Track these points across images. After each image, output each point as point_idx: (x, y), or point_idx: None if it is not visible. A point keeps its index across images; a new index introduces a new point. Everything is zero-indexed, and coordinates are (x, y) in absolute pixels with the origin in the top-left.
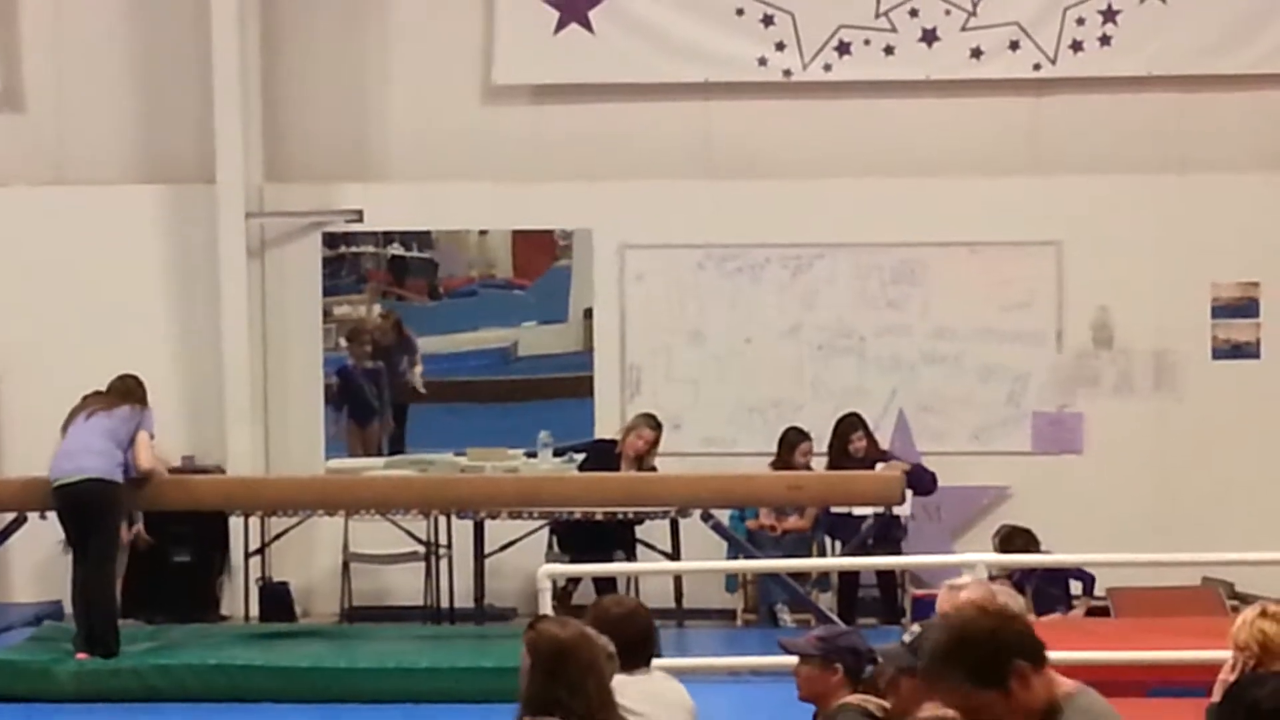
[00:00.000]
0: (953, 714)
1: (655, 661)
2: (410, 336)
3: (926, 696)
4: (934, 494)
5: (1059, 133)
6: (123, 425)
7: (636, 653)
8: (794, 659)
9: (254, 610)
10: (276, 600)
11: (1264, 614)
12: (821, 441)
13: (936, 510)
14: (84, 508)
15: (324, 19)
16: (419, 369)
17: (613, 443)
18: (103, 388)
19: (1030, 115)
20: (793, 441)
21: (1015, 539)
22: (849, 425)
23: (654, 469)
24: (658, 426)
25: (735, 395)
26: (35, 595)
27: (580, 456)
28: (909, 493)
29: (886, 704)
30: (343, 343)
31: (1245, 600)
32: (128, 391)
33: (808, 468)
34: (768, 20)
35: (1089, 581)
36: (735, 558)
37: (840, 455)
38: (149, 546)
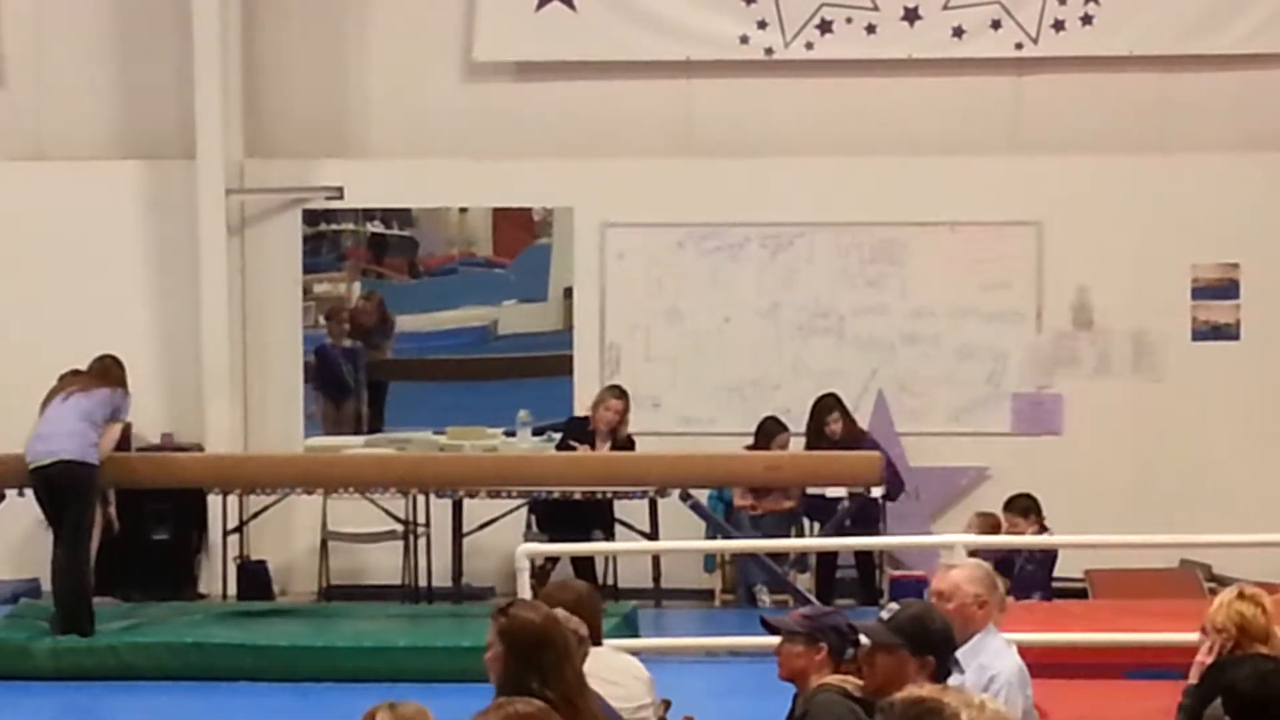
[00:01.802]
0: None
1: (633, 641)
2: (391, 319)
3: (902, 673)
4: (899, 498)
5: (1040, 112)
6: (99, 408)
7: (590, 633)
8: (772, 640)
9: (232, 589)
10: (254, 579)
11: (1241, 596)
12: (799, 423)
13: (915, 491)
14: (59, 489)
15: None
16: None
17: (586, 419)
18: (81, 366)
19: (1011, 95)
20: (770, 432)
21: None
22: (825, 406)
23: (629, 438)
24: (622, 395)
25: (714, 375)
26: (13, 573)
27: (559, 436)
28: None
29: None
30: (322, 320)
31: (1223, 582)
32: (105, 372)
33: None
34: None
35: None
36: (714, 538)
37: (817, 436)
38: (119, 530)
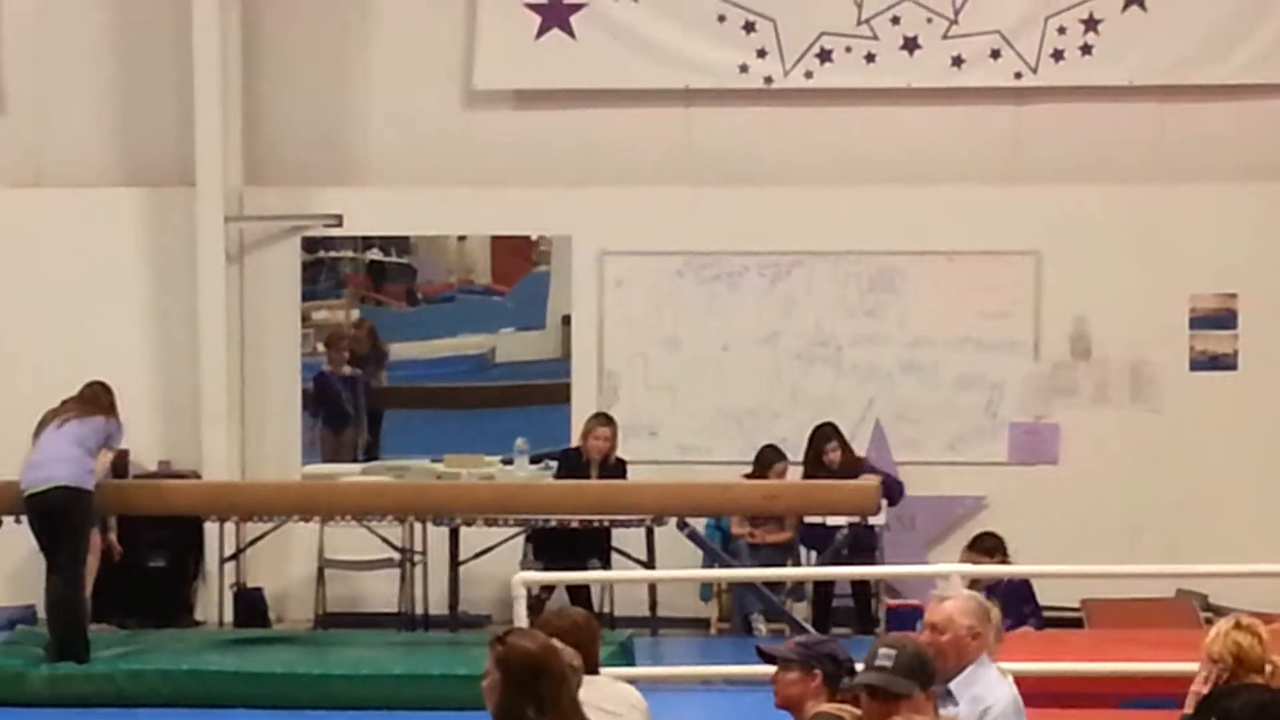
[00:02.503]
0: None
1: (629, 670)
2: (383, 346)
3: (921, 711)
4: (899, 504)
5: (1039, 142)
6: (93, 435)
7: (586, 661)
8: (768, 669)
9: (228, 616)
10: (251, 606)
11: (1238, 626)
12: (797, 451)
13: (911, 520)
14: (54, 515)
15: (305, 22)
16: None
17: (579, 450)
18: (75, 393)
19: (1011, 124)
20: (768, 460)
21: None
22: (823, 435)
23: (621, 462)
24: (609, 421)
25: (712, 403)
26: (9, 599)
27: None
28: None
29: (859, 712)
30: (320, 348)
31: (1219, 612)
32: (95, 398)
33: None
34: (749, 27)
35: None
36: (710, 566)
37: (815, 465)
38: (120, 556)
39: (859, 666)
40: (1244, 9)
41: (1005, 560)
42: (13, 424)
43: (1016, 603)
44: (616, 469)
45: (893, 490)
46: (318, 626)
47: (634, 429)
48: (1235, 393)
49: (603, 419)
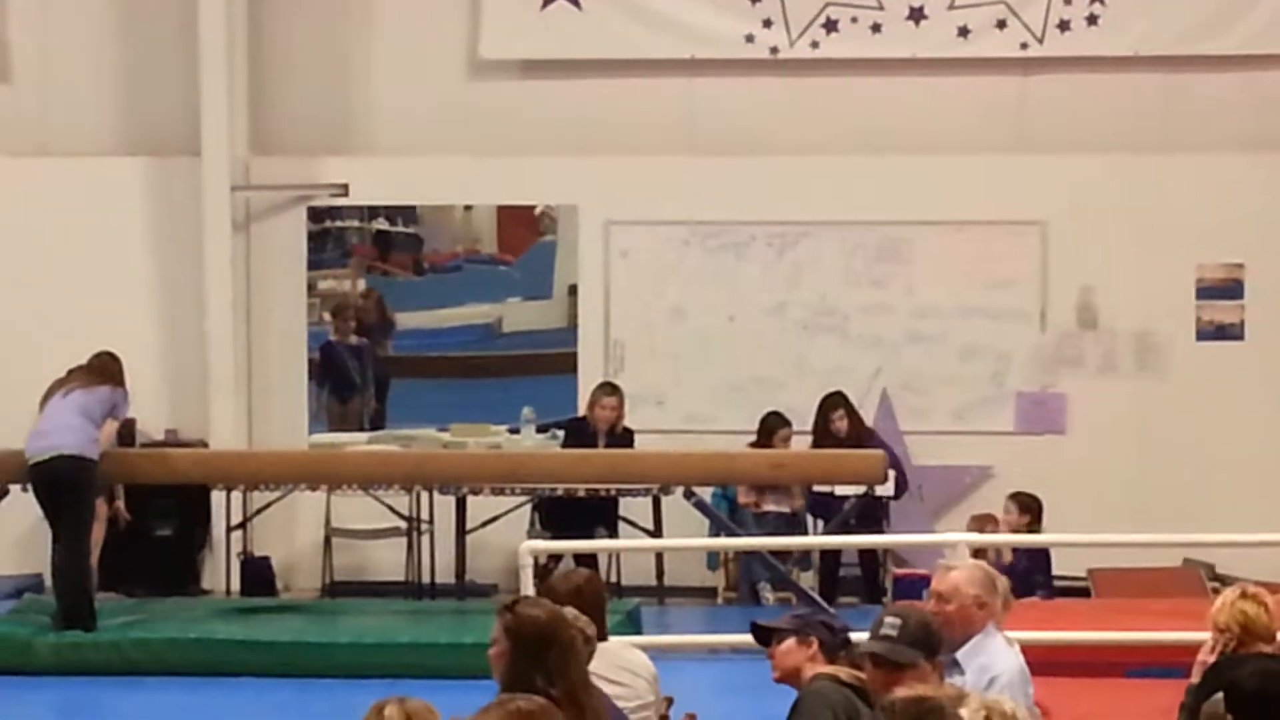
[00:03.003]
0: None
1: (636, 638)
2: (390, 316)
3: (925, 681)
4: (902, 496)
5: (1045, 112)
6: (99, 405)
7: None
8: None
9: (235, 585)
10: (258, 575)
11: (1244, 595)
12: (804, 420)
13: (919, 490)
14: (58, 484)
15: None
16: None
17: (586, 419)
18: (83, 363)
19: (1016, 94)
20: (772, 426)
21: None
22: (831, 404)
23: (629, 432)
24: (615, 390)
25: (718, 373)
26: (16, 568)
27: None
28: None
29: (860, 674)
30: (327, 317)
31: (1226, 582)
32: (104, 368)
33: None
34: None
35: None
36: (717, 535)
37: (823, 434)
38: (128, 523)
39: (854, 635)
40: None
41: (1037, 522)
42: (19, 394)
43: (1031, 571)
44: (624, 438)
45: (898, 483)
46: (324, 595)
47: (640, 398)
48: (1242, 362)
49: (609, 388)
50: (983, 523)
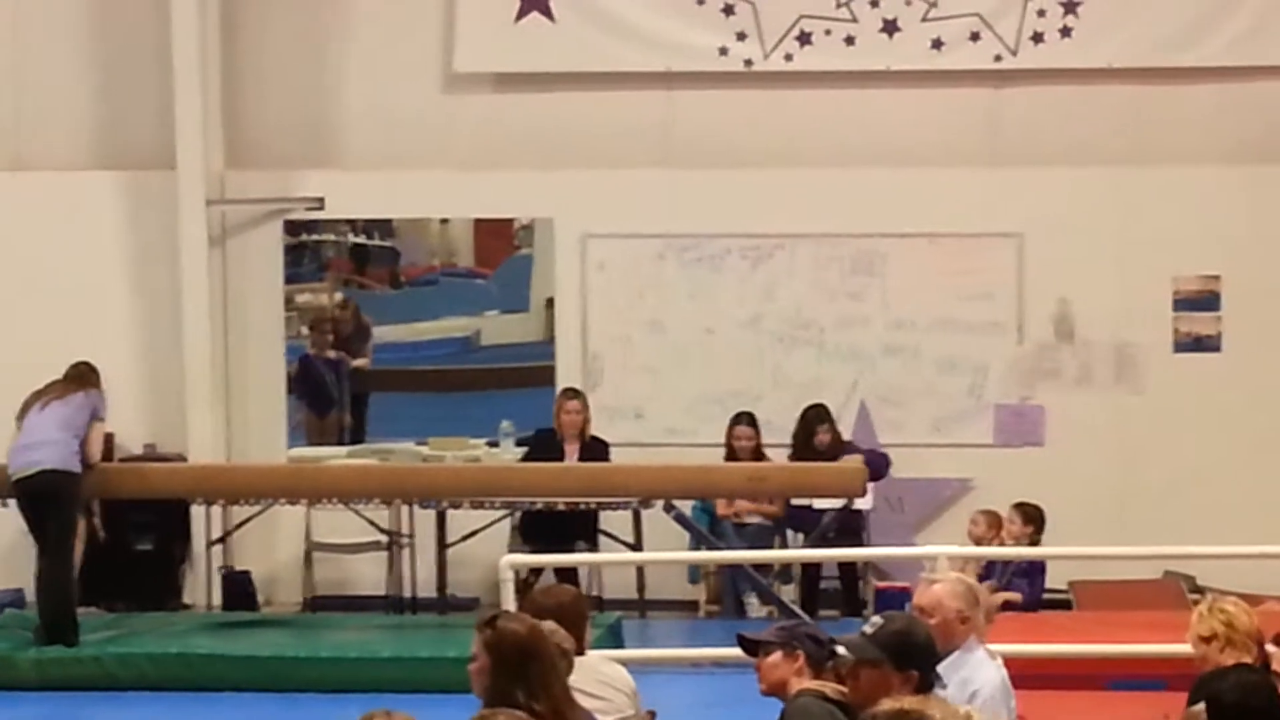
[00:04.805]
0: (911, 704)
1: (617, 652)
2: (367, 326)
3: (885, 688)
4: (886, 476)
5: (1019, 124)
6: (78, 413)
7: (575, 640)
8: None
9: (216, 599)
10: (238, 589)
11: (1214, 604)
12: (782, 433)
13: (898, 502)
14: (43, 498)
15: (285, 5)
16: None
17: (552, 430)
18: (60, 376)
19: (991, 107)
20: (730, 424)
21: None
22: (816, 416)
23: (599, 440)
24: (578, 394)
25: (696, 385)
26: None
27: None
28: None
29: (844, 689)
30: (304, 331)
31: (1206, 594)
32: (80, 377)
33: (754, 453)
34: (729, 10)
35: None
36: (698, 549)
37: (804, 446)
38: (107, 538)
39: (840, 650)
40: None
41: (1040, 533)
42: None
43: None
44: (596, 445)
45: (878, 464)
46: (305, 609)
47: (618, 411)
48: (1219, 374)
49: (570, 393)
50: (992, 520)
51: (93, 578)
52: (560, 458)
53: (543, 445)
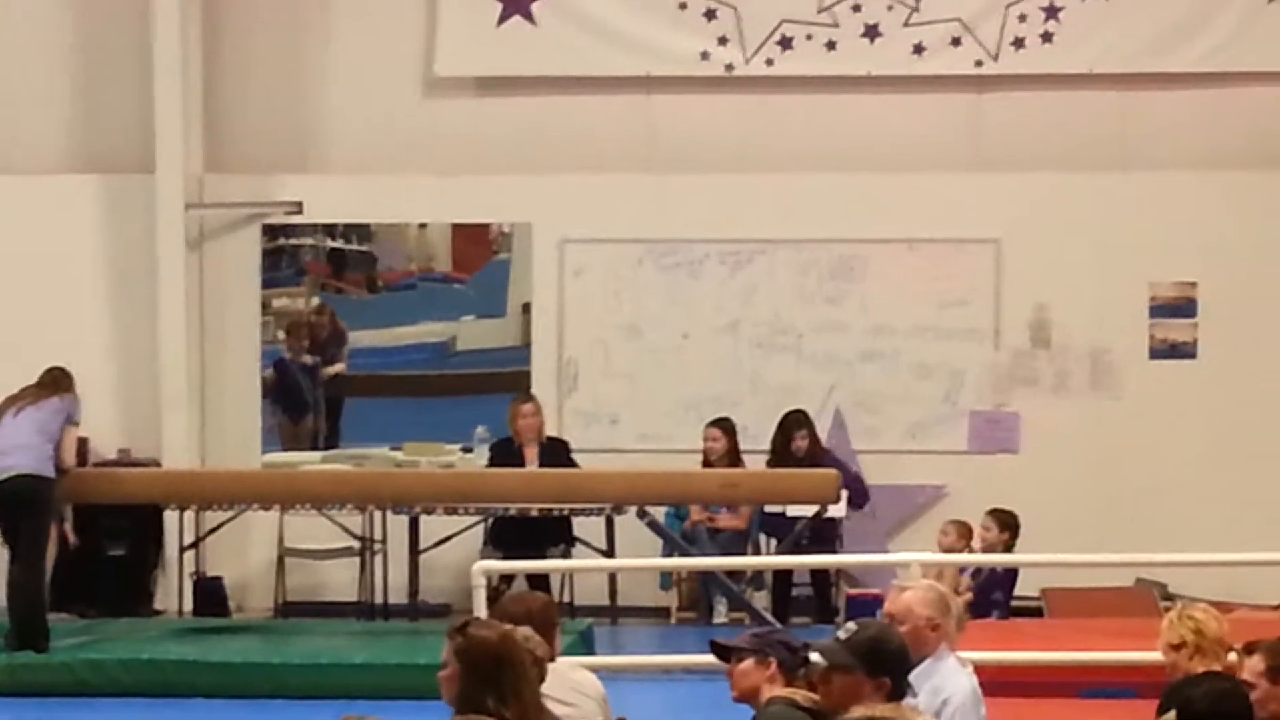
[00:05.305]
0: (882, 712)
1: (589, 659)
2: (343, 331)
3: (857, 694)
4: (864, 508)
5: (1000, 130)
6: (53, 418)
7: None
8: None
9: (188, 605)
10: (210, 595)
11: (1183, 611)
12: (757, 439)
13: (872, 509)
14: (16, 503)
15: (265, 9)
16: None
17: (510, 439)
18: (35, 381)
19: (971, 112)
20: (706, 430)
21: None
22: (794, 422)
23: (558, 440)
24: (530, 398)
25: (673, 391)
26: None
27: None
28: (844, 492)
29: (815, 696)
30: (280, 335)
31: (1177, 601)
32: (55, 382)
33: (728, 458)
34: (710, 14)
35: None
36: (670, 555)
37: (783, 452)
38: (79, 544)
39: (814, 656)
40: None
41: (1015, 539)
42: None
43: (990, 589)
44: (555, 445)
45: (856, 494)
46: (278, 615)
47: (594, 417)
48: (1195, 381)
49: (524, 398)
50: (962, 530)
51: (64, 583)
52: (522, 464)
53: (502, 455)
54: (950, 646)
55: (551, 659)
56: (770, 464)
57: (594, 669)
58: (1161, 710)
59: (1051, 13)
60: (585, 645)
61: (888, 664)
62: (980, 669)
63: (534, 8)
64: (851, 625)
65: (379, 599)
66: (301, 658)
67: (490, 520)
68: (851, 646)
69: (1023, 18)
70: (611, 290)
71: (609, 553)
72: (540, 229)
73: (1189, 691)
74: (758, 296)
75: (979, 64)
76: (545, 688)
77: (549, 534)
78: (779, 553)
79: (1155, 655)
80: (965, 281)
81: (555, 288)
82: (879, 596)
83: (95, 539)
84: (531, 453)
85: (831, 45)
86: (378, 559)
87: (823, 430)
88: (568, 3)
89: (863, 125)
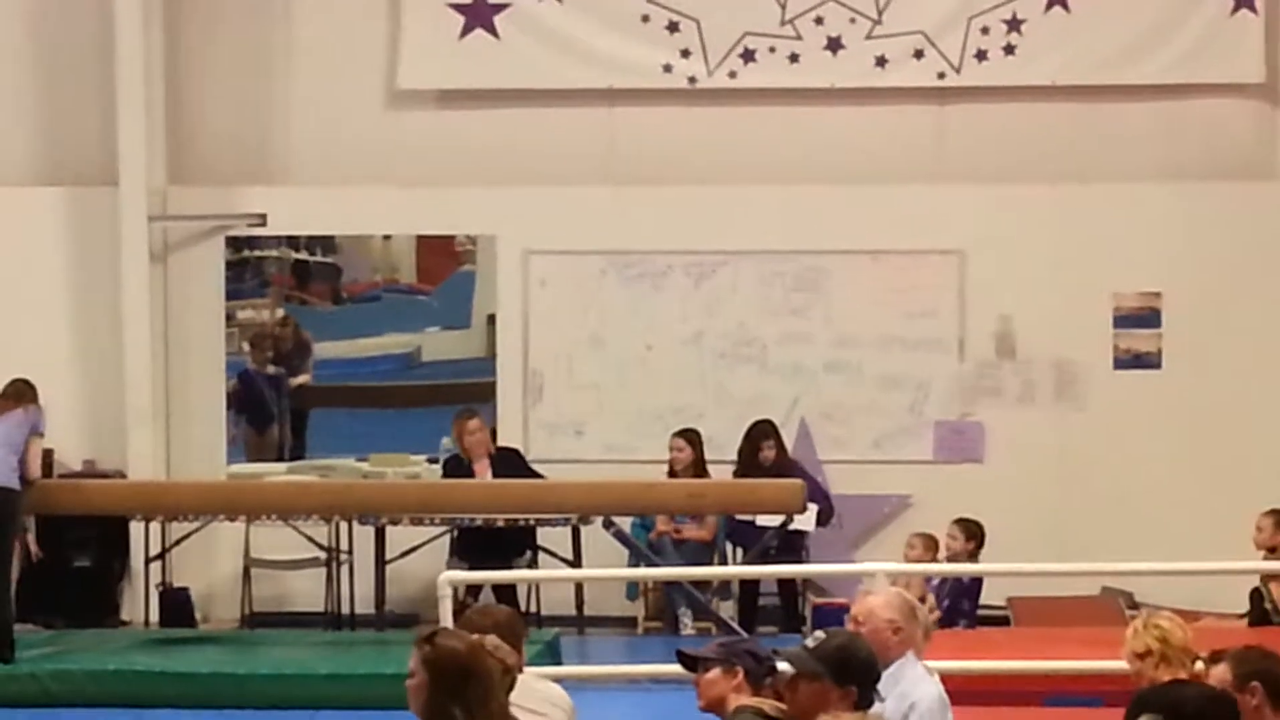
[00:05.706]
0: None
1: (556, 669)
2: (308, 342)
3: (823, 702)
4: (829, 525)
5: (962, 142)
6: (17, 430)
7: None
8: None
9: (154, 616)
10: (177, 606)
11: (1147, 620)
12: (722, 449)
13: (838, 519)
14: None
15: (228, 21)
16: (305, 377)
17: (459, 457)
18: None
19: (934, 124)
20: (671, 440)
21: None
22: (761, 432)
23: (506, 450)
24: (474, 414)
25: (637, 402)
26: None
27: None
28: (813, 507)
29: (783, 706)
30: (245, 347)
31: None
32: (19, 394)
33: (692, 468)
34: (673, 27)
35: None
36: (637, 565)
37: (750, 462)
38: (42, 555)
39: (782, 665)
40: (1166, 11)
41: (978, 551)
42: None
43: (957, 599)
44: (506, 455)
45: (823, 512)
46: (244, 626)
47: (559, 428)
48: (1159, 391)
49: (466, 413)
50: (928, 543)
51: (30, 594)
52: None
53: (454, 472)
54: (918, 655)
55: (520, 670)
56: (737, 474)
57: (561, 679)
58: (1130, 716)
59: (1014, 25)
60: (552, 655)
61: (855, 672)
62: (946, 678)
63: (497, 20)
64: (820, 634)
65: (345, 609)
66: (268, 668)
67: (456, 531)
68: (819, 655)
69: (985, 30)
70: (576, 302)
71: (575, 563)
72: (504, 241)
73: (1176, 695)
74: (722, 308)
75: (941, 76)
76: (514, 697)
77: (515, 544)
78: (745, 563)
79: (1121, 664)
80: (929, 293)
81: (520, 299)
82: (845, 606)
83: (61, 550)
84: (482, 467)
85: (794, 58)
86: (344, 569)
87: (789, 441)
88: (530, 16)
89: (826, 137)
